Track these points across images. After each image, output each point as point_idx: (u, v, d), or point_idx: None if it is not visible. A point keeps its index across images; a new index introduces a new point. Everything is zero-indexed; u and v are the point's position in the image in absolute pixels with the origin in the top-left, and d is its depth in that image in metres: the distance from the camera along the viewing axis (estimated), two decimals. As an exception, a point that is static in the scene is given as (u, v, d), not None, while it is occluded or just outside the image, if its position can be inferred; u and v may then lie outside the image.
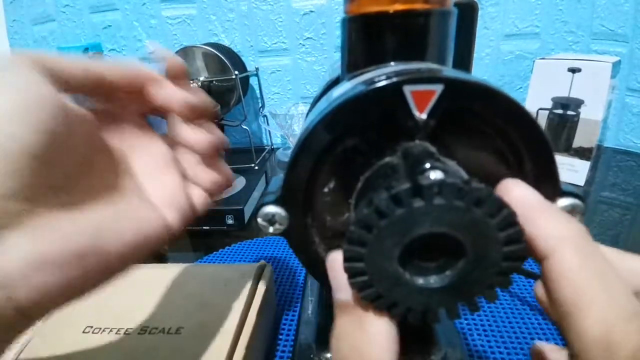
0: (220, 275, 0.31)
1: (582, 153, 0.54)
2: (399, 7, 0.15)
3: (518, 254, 0.11)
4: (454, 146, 0.14)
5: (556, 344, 0.31)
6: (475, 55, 0.28)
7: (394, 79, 0.12)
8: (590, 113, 0.51)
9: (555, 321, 0.12)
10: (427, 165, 0.11)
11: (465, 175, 0.12)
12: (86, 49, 0.66)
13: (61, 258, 0.14)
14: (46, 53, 0.15)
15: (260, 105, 0.79)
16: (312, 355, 0.26)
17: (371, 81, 0.13)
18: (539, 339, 0.31)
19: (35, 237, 0.13)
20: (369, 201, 0.11)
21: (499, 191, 0.13)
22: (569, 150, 0.54)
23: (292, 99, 0.80)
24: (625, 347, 0.10)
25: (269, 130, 0.81)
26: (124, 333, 0.26)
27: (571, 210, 0.13)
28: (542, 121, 0.55)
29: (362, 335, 0.12)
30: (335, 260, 0.13)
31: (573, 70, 0.51)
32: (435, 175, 0.10)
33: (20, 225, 0.13)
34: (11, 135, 0.12)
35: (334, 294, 0.13)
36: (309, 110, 0.27)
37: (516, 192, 0.13)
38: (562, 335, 0.11)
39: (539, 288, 0.12)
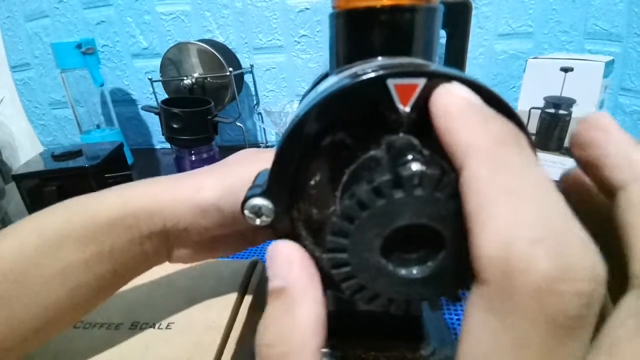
0: (212, 271, 0.31)
1: (574, 152, 0.54)
2: (386, 2, 0.15)
3: None
4: (439, 140, 0.14)
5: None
6: (469, 54, 0.28)
7: (378, 72, 0.12)
8: (582, 112, 0.52)
9: None
10: (409, 157, 0.11)
11: (447, 168, 0.12)
12: (79, 45, 0.65)
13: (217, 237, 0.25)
14: None
15: (254, 102, 0.79)
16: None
17: (356, 75, 0.13)
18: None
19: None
20: (351, 193, 0.11)
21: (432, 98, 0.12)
22: (561, 149, 0.55)
23: (287, 97, 0.80)
24: (528, 275, 0.08)
25: (264, 128, 0.81)
26: (114, 328, 0.26)
27: None
28: (534, 120, 0.55)
29: (288, 320, 0.12)
30: (276, 250, 0.13)
31: (565, 70, 0.51)
32: (416, 167, 0.11)
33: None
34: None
35: (270, 282, 0.13)
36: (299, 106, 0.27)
37: (439, 98, 0.11)
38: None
39: None
